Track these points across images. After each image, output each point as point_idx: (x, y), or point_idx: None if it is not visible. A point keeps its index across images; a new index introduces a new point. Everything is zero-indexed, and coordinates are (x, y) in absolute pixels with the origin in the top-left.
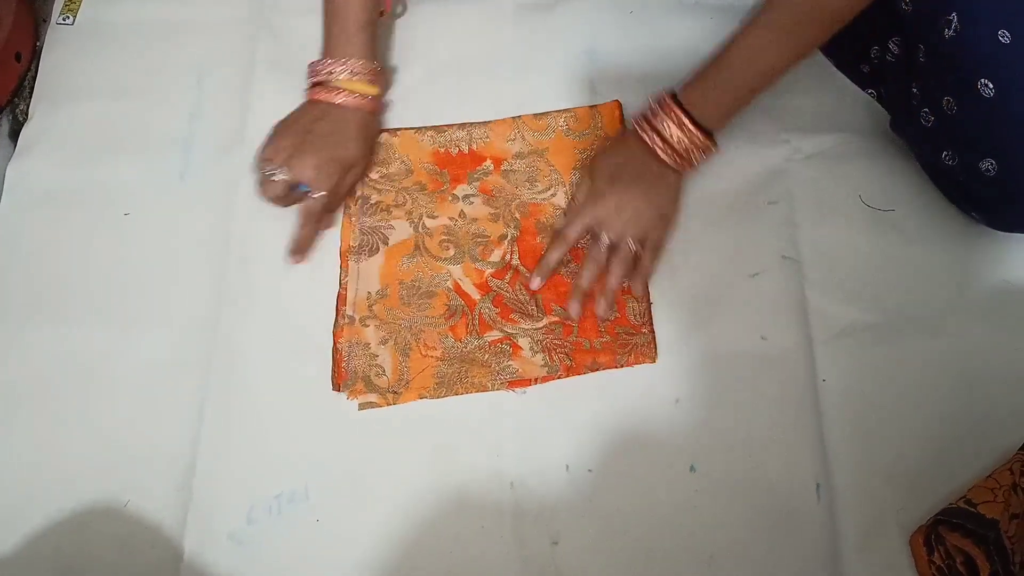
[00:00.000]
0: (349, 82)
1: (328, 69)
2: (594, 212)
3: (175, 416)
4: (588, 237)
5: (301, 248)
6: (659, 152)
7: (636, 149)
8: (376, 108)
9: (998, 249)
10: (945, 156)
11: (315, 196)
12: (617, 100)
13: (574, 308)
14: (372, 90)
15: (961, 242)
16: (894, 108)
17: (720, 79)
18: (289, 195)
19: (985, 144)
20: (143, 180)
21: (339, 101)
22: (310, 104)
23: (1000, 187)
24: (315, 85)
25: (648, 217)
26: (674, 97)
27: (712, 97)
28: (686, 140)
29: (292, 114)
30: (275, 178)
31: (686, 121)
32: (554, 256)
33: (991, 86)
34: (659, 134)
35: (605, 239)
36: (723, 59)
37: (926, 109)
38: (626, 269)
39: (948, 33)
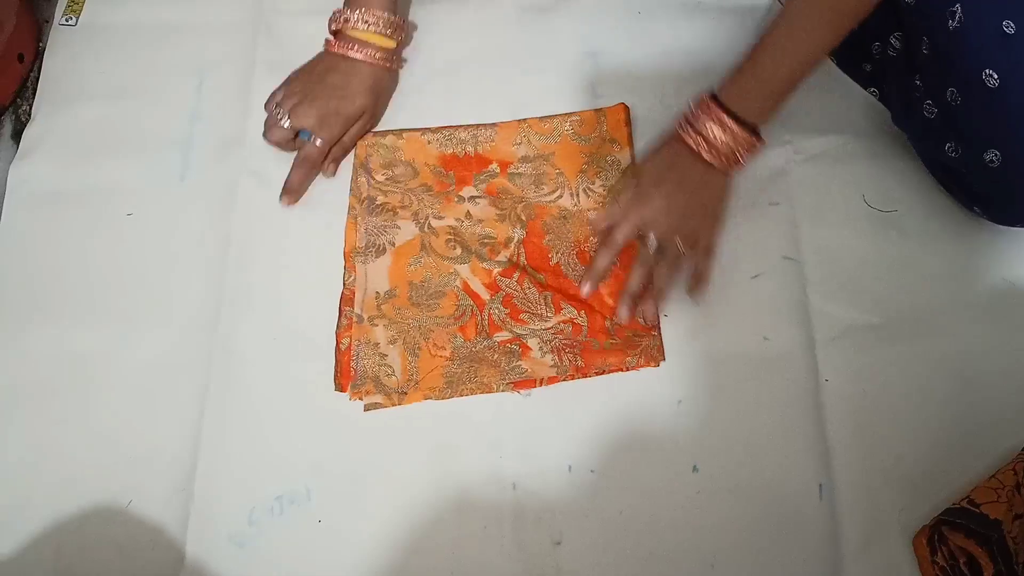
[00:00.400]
0: (365, 34)
1: (345, 17)
2: (641, 213)
3: (176, 417)
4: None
5: (290, 190)
6: (704, 154)
7: (681, 152)
8: (391, 63)
9: (1000, 250)
10: (948, 148)
11: (316, 143)
12: (623, 103)
13: (623, 313)
14: (388, 43)
15: (963, 243)
16: (896, 102)
17: (757, 72)
18: (292, 141)
19: (989, 135)
20: (144, 180)
21: (352, 55)
22: (326, 54)
23: (1004, 178)
24: (333, 34)
25: (696, 218)
26: (714, 97)
27: (752, 91)
28: (730, 141)
29: (309, 62)
30: (281, 125)
31: (728, 120)
32: (603, 261)
33: (996, 76)
34: (702, 136)
35: (653, 241)
36: (759, 51)
37: (929, 101)
38: (673, 271)
39: (952, 24)
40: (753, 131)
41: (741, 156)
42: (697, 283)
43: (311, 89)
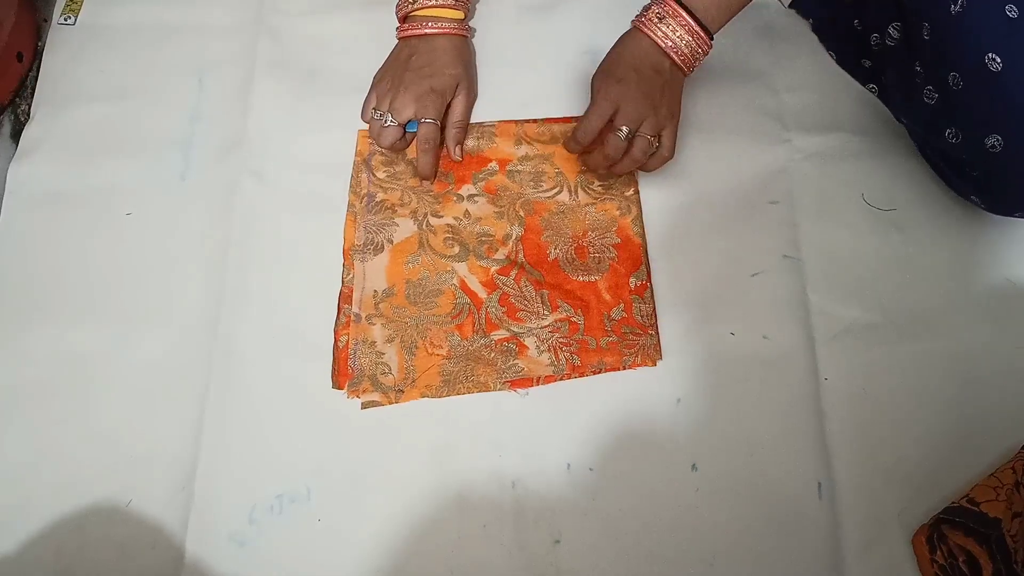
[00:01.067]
0: (434, 9)
1: (409, 0)
2: (619, 93)
3: (176, 416)
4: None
5: (424, 174)
6: (670, 53)
7: (649, 50)
8: (465, 31)
9: (1000, 248)
10: (948, 134)
11: (427, 125)
12: None
13: (573, 146)
14: (457, 14)
15: (963, 241)
16: (895, 90)
17: None
18: (405, 137)
19: (991, 119)
20: (144, 180)
21: (426, 31)
22: (400, 43)
23: (1005, 164)
24: (402, 22)
25: (663, 111)
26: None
27: None
28: (692, 41)
29: (388, 59)
30: (385, 126)
31: (691, 22)
32: (588, 130)
33: (999, 60)
34: (668, 35)
35: (625, 130)
36: None
37: (930, 87)
38: (641, 161)
39: (955, 9)
40: (710, 35)
41: (698, 58)
42: (654, 159)
43: (399, 79)
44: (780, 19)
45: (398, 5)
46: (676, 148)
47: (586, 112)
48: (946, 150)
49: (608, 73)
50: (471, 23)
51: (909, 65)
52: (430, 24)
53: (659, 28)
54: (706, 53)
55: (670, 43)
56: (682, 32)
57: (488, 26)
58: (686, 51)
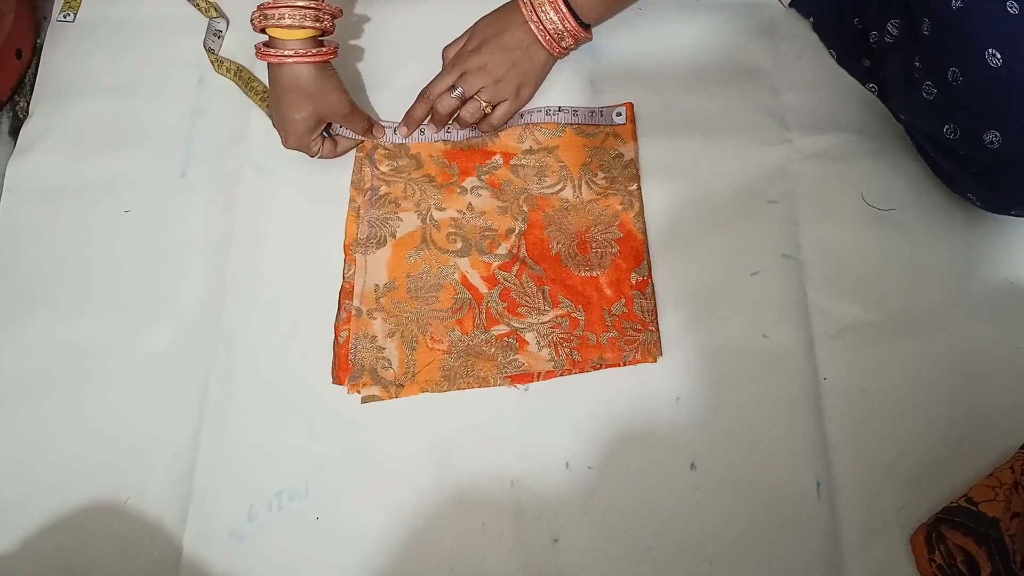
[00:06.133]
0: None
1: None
2: (464, 66)
3: (175, 413)
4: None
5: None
6: (534, 30)
7: (516, 20)
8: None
9: (999, 248)
10: (947, 130)
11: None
12: (629, 102)
13: (403, 130)
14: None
15: (962, 240)
16: (894, 85)
17: None
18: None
19: (990, 115)
20: (144, 177)
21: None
22: (513, 22)
23: (1003, 160)
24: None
25: (507, 85)
26: None
27: None
28: (560, 26)
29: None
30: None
31: (564, 9)
32: (418, 112)
33: (999, 56)
34: (538, 15)
35: (459, 91)
36: None
37: (928, 82)
38: (470, 123)
39: (955, 4)
40: (585, 25)
41: (567, 43)
42: (483, 124)
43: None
44: (780, 18)
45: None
46: (675, 148)
47: (437, 75)
48: (944, 146)
49: (470, 36)
50: (471, 22)
51: (908, 61)
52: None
53: (535, 8)
54: (578, 40)
55: (536, 21)
56: (553, 15)
57: None
58: (552, 34)
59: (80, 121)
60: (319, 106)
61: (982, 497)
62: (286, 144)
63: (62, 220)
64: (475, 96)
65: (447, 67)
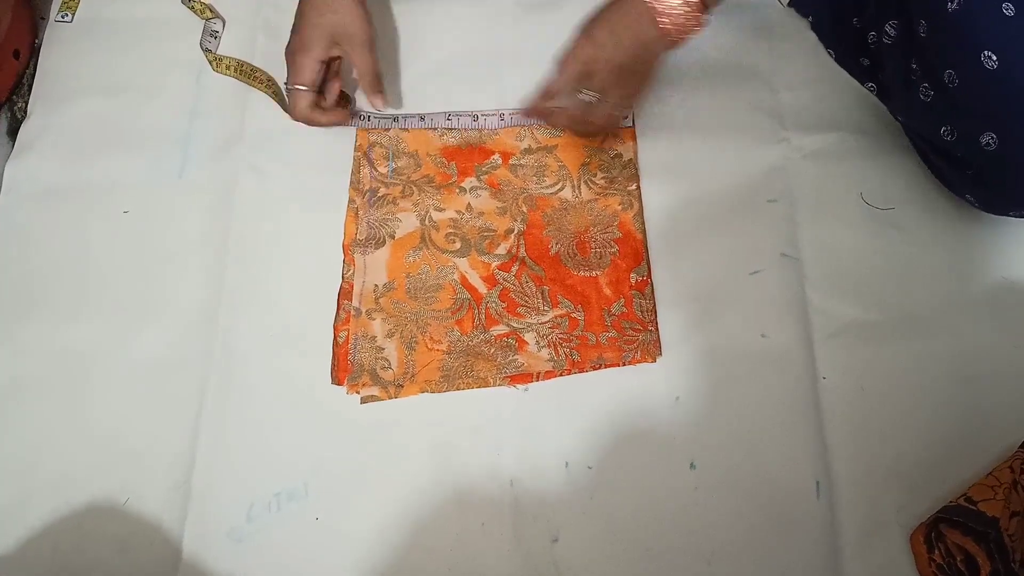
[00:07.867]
0: None
1: None
2: (592, 55)
3: (174, 414)
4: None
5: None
6: (660, 20)
7: (638, 13)
8: None
9: (998, 247)
10: (944, 131)
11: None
12: None
13: (537, 101)
14: None
15: (961, 240)
16: (891, 87)
17: None
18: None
19: (987, 117)
20: (142, 177)
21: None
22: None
23: (1000, 162)
24: None
25: (633, 83)
26: None
27: None
28: (683, 14)
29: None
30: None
31: None
32: (555, 92)
33: (994, 58)
34: (663, 3)
35: (587, 96)
36: None
37: (926, 84)
38: (599, 127)
39: (952, 7)
40: (705, 7)
41: (692, 30)
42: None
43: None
44: (779, 17)
45: None
46: (674, 147)
47: (558, 71)
48: (941, 148)
49: (588, 35)
50: (471, 21)
51: (906, 62)
52: None
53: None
54: (698, 27)
55: (663, 6)
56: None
57: (487, 22)
58: (680, 19)
59: (78, 122)
60: (342, 19)
61: (981, 496)
62: (291, 62)
63: (60, 221)
64: (600, 97)
65: (575, 54)
